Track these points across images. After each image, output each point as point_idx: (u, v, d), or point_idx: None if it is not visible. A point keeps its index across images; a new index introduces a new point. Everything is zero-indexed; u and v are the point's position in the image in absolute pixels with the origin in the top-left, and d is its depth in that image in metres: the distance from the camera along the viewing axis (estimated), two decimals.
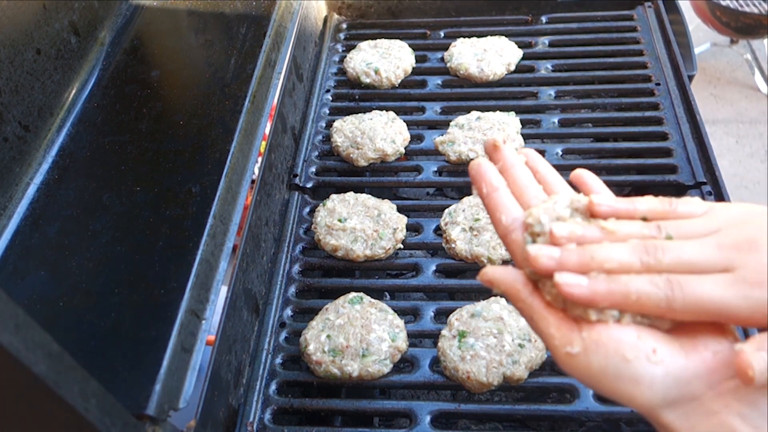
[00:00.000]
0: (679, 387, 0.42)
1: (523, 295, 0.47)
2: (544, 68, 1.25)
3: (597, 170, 1.11)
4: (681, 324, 0.45)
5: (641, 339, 0.43)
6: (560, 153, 1.09)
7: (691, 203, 0.49)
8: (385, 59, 1.26)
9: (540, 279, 0.47)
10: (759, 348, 0.40)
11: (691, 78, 1.19)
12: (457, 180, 1.09)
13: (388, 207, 1.01)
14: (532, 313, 0.46)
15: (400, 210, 1.02)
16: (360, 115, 1.17)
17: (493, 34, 1.30)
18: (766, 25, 2.65)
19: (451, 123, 1.14)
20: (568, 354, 0.44)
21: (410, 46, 1.30)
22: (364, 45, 1.30)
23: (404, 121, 1.16)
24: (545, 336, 0.46)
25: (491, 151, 0.55)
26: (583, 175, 0.55)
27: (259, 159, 0.97)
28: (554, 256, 0.45)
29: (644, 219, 0.48)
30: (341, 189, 1.06)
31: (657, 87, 1.18)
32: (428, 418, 0.80)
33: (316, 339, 0.85)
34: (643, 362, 0.42)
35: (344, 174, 1.16)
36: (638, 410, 0.43)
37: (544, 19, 1.35)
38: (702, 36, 3.15)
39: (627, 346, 0.43)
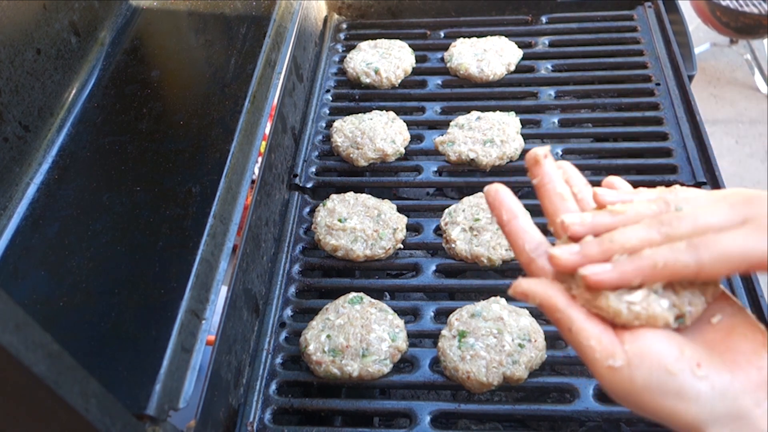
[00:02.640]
0: (726, 403, 0.41)
1: (561, 306, 0.45)
2: (544, 68, 1.25)
3: (597, 170, 1.12)
4: (717, 337, 0.44)
5: (684, 353, 0.42)
6: (560, 153, 1.09)
7: (688, 189, 0.49)
8: (385, 59, 1.26)
9: (577, 290, 0.45)
10: None
11: (691, 78, 1.19)
12: (457, 180, 1.09)
13: (388, 207, 1.01)
14: (571, 325, 0.44)
15: (400, 210, 1.02)
16: (360, 115, 1.17)
17: (493, 34, 1.30)
18: (766, 25, 2.65)
19: (451, 123, 1.14)
20: (610, 368, 0.42)
21: (410, 46, 1.30)
22: (364, 45, 1.30)
23: (404, 121, 1.15)
24: (584, 349, 0.44)
25: (532, 165, 0.52)
26: (614, 181, 0.53)
27: (259, 159, 0.97)
28: (575, 251, 0.46)
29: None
30: (341, 189, 1.06)
31: (657, 87, 1.18)
32: (428, 418, 0.80)
33: (316, 339, 0.85)
34: (689, 376, 0.41)
35: (344, 174, 1.16)
36: (683, 430, 0.41)
37: (544, 19, 1.35)
38: (702, 36, 3.15)
39: (671, 360, 0.42)
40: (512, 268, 0.96)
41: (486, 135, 1.09)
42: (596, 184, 0.52)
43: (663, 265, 0.43)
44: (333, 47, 1.36)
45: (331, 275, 1.05)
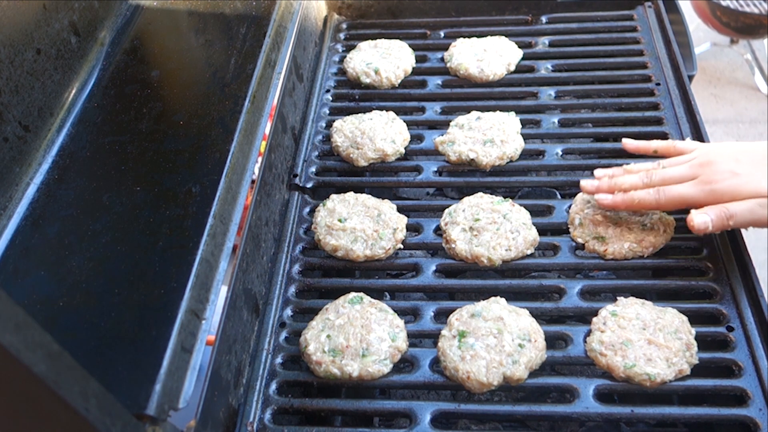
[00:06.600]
0: None
1: None
2: (544, 68, 1.25)
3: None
4: None
5: None
6: (560, 153, 1.09)
7: (686, 142, 0.96)
8: (385, 59, 1.26)
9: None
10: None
11: (691, 78, 1.19)
12: (457, 180, 1.09)
13: (388, 207, 1.01)
14: None
15: (400, 210, 1.02)
16: (360, 115, 1.17)
17: (493, 34, 1.30)
18: (766, 25, 2.65)
19: (451, 123, 1.14)
20: None
21: (410, 46, 1.30)
22: (364, 45, 1.30)
23: (404, 121, 1.16)
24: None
25: None
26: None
27: (259, 159, 0.97)
28: (594, 184, 0.94)
29: (655, 151, 0.98)
30: (341, 189, 1.06)
31: (657, 87, 1.18)
32: (428, 418, 0.80)
33: (316, 339, 0.85)
34: None
35: (344, 174, 1.16)
36: None
37: (544, 19, 1.35)
38: (702, 36, 3.15)
39: None
40: (512, 268, 0.96)
41: (486, 135, 1.09)
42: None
43: (638, 201, 0.89)
44: (333, 47, 1.36)
45: (331, 275, 1.05)
